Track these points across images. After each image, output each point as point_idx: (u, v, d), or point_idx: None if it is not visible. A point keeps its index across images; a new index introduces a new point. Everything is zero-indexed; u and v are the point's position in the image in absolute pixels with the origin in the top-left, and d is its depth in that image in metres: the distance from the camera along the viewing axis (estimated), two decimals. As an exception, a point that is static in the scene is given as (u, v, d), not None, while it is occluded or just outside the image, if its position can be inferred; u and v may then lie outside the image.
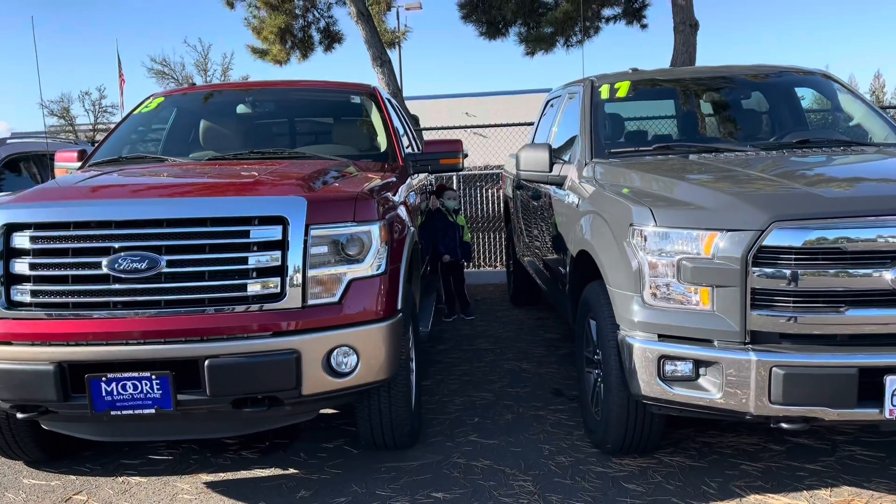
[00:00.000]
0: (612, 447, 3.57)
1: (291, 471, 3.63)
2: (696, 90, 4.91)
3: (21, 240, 3.04)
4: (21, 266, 3.03)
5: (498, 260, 9.97)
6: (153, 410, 2.95)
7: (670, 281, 3.06)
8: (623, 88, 4.70)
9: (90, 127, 36.61)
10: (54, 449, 3.74)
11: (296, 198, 3.14)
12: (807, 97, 5.20)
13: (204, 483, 3.51)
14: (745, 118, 4.82)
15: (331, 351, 3.11)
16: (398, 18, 20.74)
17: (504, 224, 8.30)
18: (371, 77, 12.66)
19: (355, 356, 3.16)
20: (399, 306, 3.40)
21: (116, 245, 2.99)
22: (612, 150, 4.32)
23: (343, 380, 3.15)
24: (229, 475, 3.59)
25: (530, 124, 10.68)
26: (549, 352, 5.69)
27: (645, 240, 3.14)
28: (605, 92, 4.72)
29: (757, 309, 2.87)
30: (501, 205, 9.43)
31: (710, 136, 4.74)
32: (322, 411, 3.91)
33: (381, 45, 11.39)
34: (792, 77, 5.00)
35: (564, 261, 4.38)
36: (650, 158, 4.14)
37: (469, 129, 11.14)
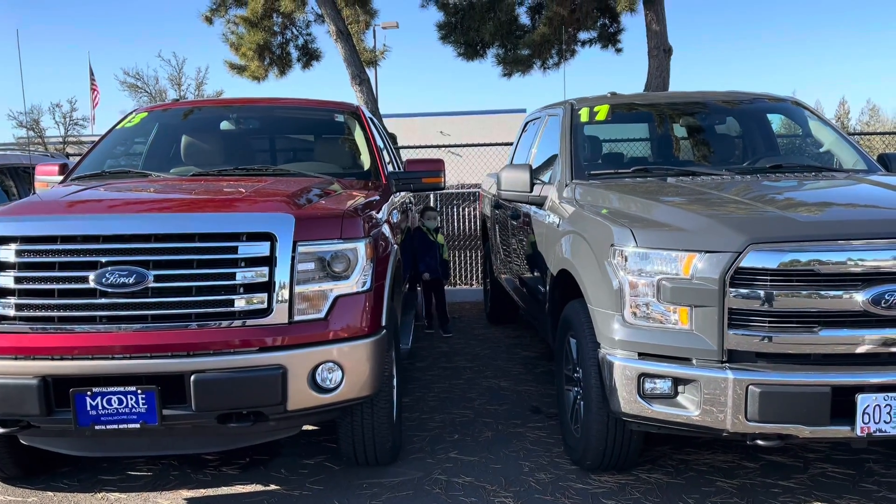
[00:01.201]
0: (591, 464, 3.63)
1: (273, 487, 3.62)
2: (673, 115, 5.05)
3: (5, 253, 3.03)
4: (5, 280, 3.02)
5: (474, 278, 10.04)
6: (138, 425, 2.94)
7: (650, 300, 3.15)
8: (602, 111, 4.81)
9: (60, 139, 36.09)
10: (31, 464, 3.68)
11: (284, 214, 3.17)
12: (774, 122, 5.36)
13: (184, 499, 3.49)
14: (720, 143, 4.97)
15: (316, 367, 3.13)
16: (374, 38, 20.87)
17: (481, 243, 8.37)
18: (348, 95, 12.73)
19: (340, 372, 3.18)
20: (383, 323, 3.43)
21: (104, 259, 2.99)
22: (591, 172, 4.42)
23: (328, 395, 3.17)
24: (210, 491, 3.58)
25: (505, 144, 10.83)
26: (527, 370, 5.75)
27: (626, 260, 3.22)
28: (584, 114, 4.83)
29: (734, 328, 2.96)
30: (478, 223, 9.51)
31: (687, 160, 4.87)
32: (303, 427, 3.92)
33: (360, 64, 11.47)
34: (764, 104, 5.16)
35: (544, 279, 4.45)
36: (629, 180, 4.25)
37: (444, 148, 11.24)
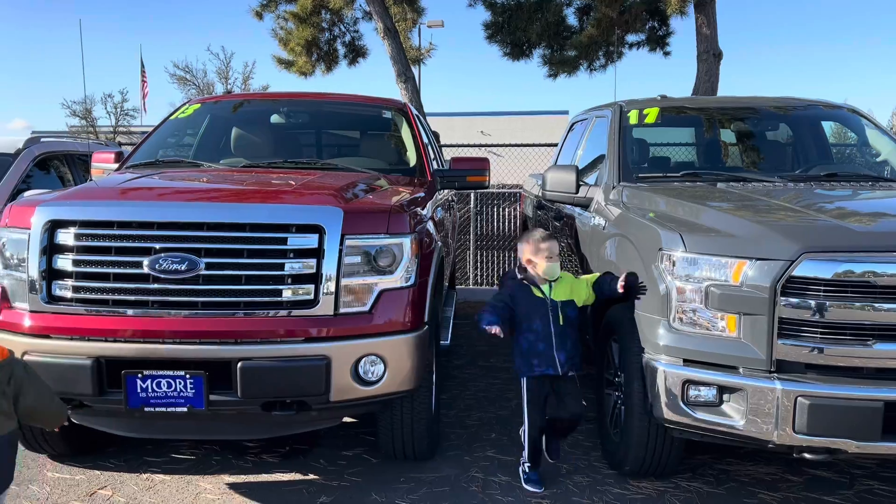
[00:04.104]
0: (630, 469, 3.59)
1: (312, 476, 3.67)
2: (725, 120, 4.97)
3: (65, 236, 3.13)
4: (63, 262, 3.11)
5: (512, 279, 9.99)
6: (185, 409, 3.01)
7: (697, 306, 3.11)
8: (652, 114, 4.76)
9: (111, 129, 36.98)
10: (79, 443, 3.79)
11: (333, 208, 3.21)
12: (826, 130, 5.25)
13: (226, 484, 3.56)
14: (772, 149, 4.88)
15: (359, 359, 3.17)
16: (419, 36, 20.97)
17: (522, 243, 8.33)
18: (392, 92, 12.82)
19: (382, 365, 3.21)
20: (426, 318, 3.45)
21: (157, 246, 3.06)
22: (639, 175, 4.38)
23: (370, 388, 3.20)
24: (251, 477, 3.64)
25: (546, 145, 10.81)
26: (565, 372, 5.70)
27: (674, 265, 3.19)
28: (633, 117, 4.78)
29: (784, 338, 2.91)
30: (519, 224, 9.49)
31: (738, 166, 4.79)
32: (342, 419, 3.95)
33: (406, 62, 11.52)
34: (818, 111, 5.06)
35: (588, 282, 4.41)
36: (678, 184, 4.20)
37: (484, 148, 11.23)
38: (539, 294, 3.57)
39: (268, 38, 13.52)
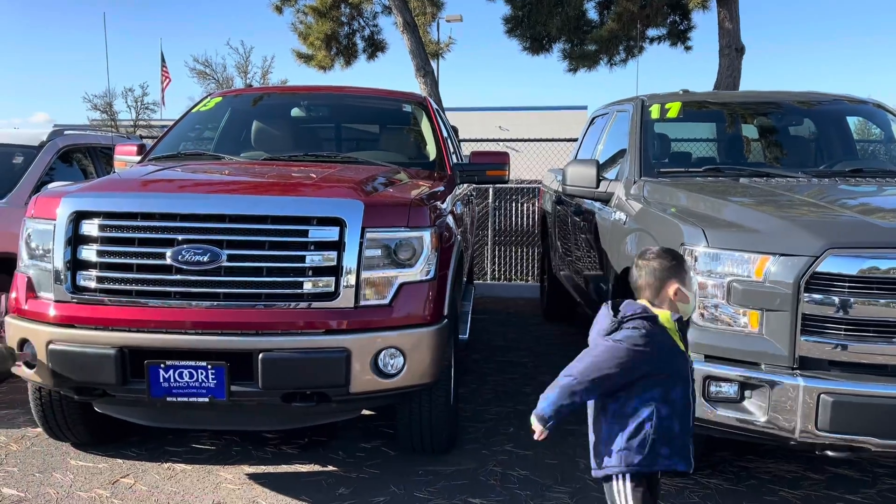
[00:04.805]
0: (649, 465, 3.57)
1: (330, 468, 3.69)
2: (748, 114, 4.92)
3: (89, 227, 3.16)
4: (88, 253, 3.15)
5: (529, 274, 9.98)
6: (207, 399, 3.04)
7: (719, 302, 3.08)
8: (674, 109, 4.73)
9: (131, 123, 37.31)
10: (102, 432, 3.84)
11: (354, 201, 3.22)
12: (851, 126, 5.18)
13: (246, 474, 3.58)
14: (796, 144, 4.83)
15: (379, 352, 3.18)
16: (438, 30, 20.95)
17: (540, 239, 8.32)
18: (410, 87, 12.80)
19: (402, 358, 3.22)
20: (445, 312, 3.46)
21: (180, 237, 3.09)
22: (661, 170, 4.35)
23: (389, 381, 3.21)
24: (270, 468, 3.67)
25: (564, 140, 10.78)
26: (583, 368, 5.68)
27: (695, 260, 3.16)
28: (655, 111, 4.75)
29: (807, 335, 2.88)
30: (537, 219, 9.46)
31: (761, 161, 4.75)
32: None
33: (425, 56, 11.52)
34: (844, 105, 4.99)
35: (607, 277, 4.40)
36: (700, 179, 4.16)
37: (502, 143, 11.21)
38: (682, 346, 2.32)
39: (287, 32, 13.64)
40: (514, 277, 10.11)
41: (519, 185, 10.23)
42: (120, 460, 3.72)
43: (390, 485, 3.51)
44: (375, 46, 13.98)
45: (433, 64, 13.62)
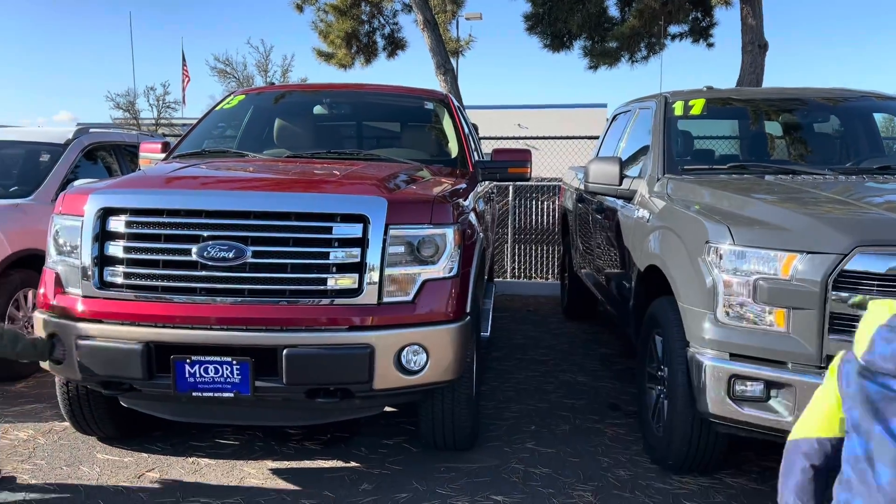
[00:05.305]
0: (673, 464, 3.55)
1: (353, 464, 3.70)
2: (773, 111, 4.87)
3: (116, 224, 3.20)
4: (115, 249, 3.19)
5: (549, 272, 9.95)
6: (232, 394, 3.06)
7: (745, 300, 3.06)
8: (698, 106, 4.69)
9: (153, 121, 37.66)
10: (127, 427, 3.88)
11: (377, 198, 3.23)
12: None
13: (270, 469, 3.61)
14: (822, 142, 4.77)
15: (402, 348, 3.18)
16: (457, 28, 20.94)
17: (561, 237, 8.29)
18: (430, 85, 12.81)
19: (425, 355, 3.22)
20: (468, 309, 3.45)
21: (205, 233, 3.12)
22: (685, 167, 4.31)
23: (412, 377, 3.22)
24: (293, 463, 3.69)
25: (583, 138, 10.72)
26: (604, 366, 5.67)
27: (720, 258, 3.14)
28: (678, 108, 4.71)
29: (835, 333, 2.85)
30: (557, 217, 9.43)
31: (786, 158, 4.69)
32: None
33: (445, 54, 11.53)
34: (871, 102, 4.92)
35: (630, 275, 4.38)
36: (724, 177, 4.13)
37: (521, 141, 11.17)
38: None
39: (306, 31, 13.77)
40: (533, 275, 10.09)
41: (539, 183, 10.20)
42: (145, 454, 3.76)
43: (412, 481, 3.51)
44: (395, 44, 14.01)
45: (453, 62, 13.62)
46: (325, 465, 3.68)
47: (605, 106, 36.88)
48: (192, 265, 3.10)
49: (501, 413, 4.53)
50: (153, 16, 61.64)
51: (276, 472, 3.59)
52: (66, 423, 3.97)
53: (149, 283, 3.14)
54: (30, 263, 5.11)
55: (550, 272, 9.90)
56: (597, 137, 11.52)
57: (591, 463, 3.76)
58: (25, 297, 5.10)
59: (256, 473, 3.56)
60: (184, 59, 28.05)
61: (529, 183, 10.14)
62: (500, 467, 3.69)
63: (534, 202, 10.09)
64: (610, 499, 3.37)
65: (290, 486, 3.43)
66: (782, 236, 3.02)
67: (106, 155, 6.67)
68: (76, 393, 3.63)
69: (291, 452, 3.82)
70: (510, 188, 9.67)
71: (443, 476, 3.57)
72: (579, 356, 5.99)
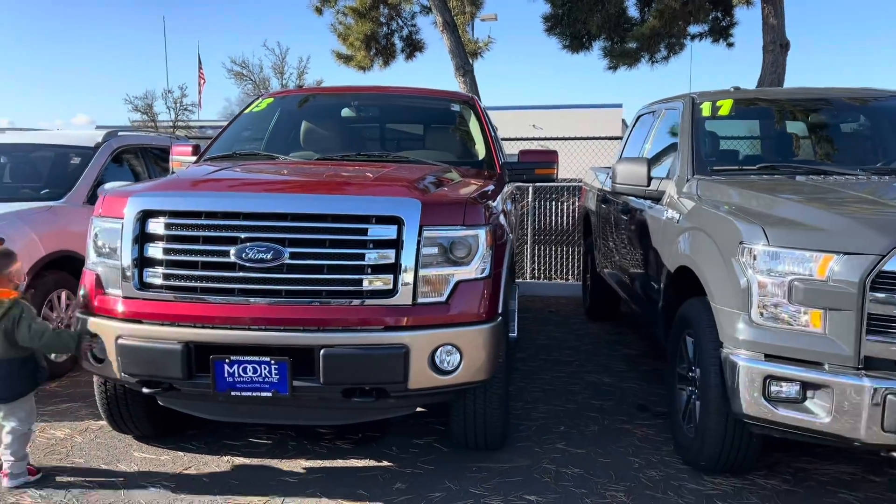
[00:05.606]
0: (705, 465, 3.56)
1: (385, 463, 3.74)
2: (801, 112, 4.85)
3: (155, 226, 3.25)
4: (154, 250, 3.23)
5: (568, 273, 9.94)
6: (270, 394, 3.10)
7: (780, 301, 3.06)
8: (726, 106, 4.68)
9: (170, 123, 37.93)
10: (163, 425, 3.94)
11: (411, 200, 3.25)
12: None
13: (304, 468, 3.65)
14: (853, 141, 4.74)
15: (436, 348, 3.21)
16: (473, 29, 20.95)
17: (583, 238, 8.28)
18: (449, 86, 12.85)
19: (459, 355, 3.25)
20: (500, 310, 3.47)
21: (243, 235, 3.16)
22: (714, 168, 4.31)
23: (446, 377, 3.24)
24: (326, 462, 3.72)
25: (599, 139, 10.71)
26: (630, 367, 5.67)
27: (754, 258, 3.14)
28: (706, 109, 4.71)
29: (872, 334, 2.84)
30: (577, 218, 9.42)
31: (817, 159, 4.67)
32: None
33: (464, 55, 11.55)
34: (902, 102, 4.88)
35: (658, 276, 4.38)
36: (755, 177, 4.12)
37: (536, 141, 11.17)
38: None
39: (321, 33, 13.90)
40: (553, 276, 10.08)
41: (557, 184, 10.18)
42: (181, 453, 3.81)
43: (445, 480, 3.54)
44: (413, 46, 14.04)
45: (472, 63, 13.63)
46: (358, 465, 3.71)
47: (620, 106, 36.76)
48: (231, 266, 3.15)
49: (529, 413, 4.54)
50: (171, 19, 62.15)
51: (310, 470, 3.63)
52: (102, 422, 4.03)
53: (188, 283, 3.18)
54: (62, 265, 5.19)
55: (570, 273, 9.89)
56: (612, 138, 11.58)
57: (621, 463, 3.77)
58: (59, 298, 5.17)
59: (291, 472, 3.60)
60: (200, 63, 28.28)
61: (547, 184, 10.15)
62: (532, 467, 3.71)
63: (551, 203, 10.08)
64: (643, 499, 3.37)
65: (326, 485, 3.46)
66: (818, 237, 3.02)
67: (133, 157, 6.75)
68: (114, 392, 3.69)
69: (324, 451, 3.86)
70: (529, 189, 9.67)
71: (475, 476, 3.59)
72: (604, 357, 5.99)
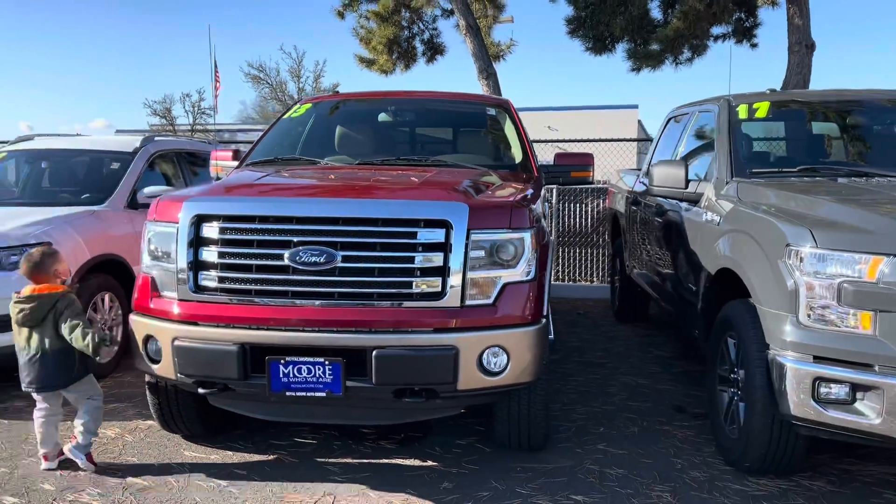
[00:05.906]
0: (750, 466, 3.58)
1: (430, 463, 3.79)
2: (839, 113, 4.85)
3: (210, 230, 3.32)
4: (209, 254, 3.31)
5: (594, 275, 9.95)
6: (324, 394, 3.17)
7: (828, 303, 3.08)
8: (763, 108, 4.70)
9: (188, 127, 38.29)
10: (212, 425, 4.02)
11: (459, 203, 3.31)
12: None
13: (351, 466, 3.71)
14: (893, 143, 4.74)
15: (484, 350, 3.26)
16: (490, 32, 20.97)
17: (611, 240, 8.30)
18: (472, 89, 12.90)
19: (506, 357, 3.30)
20: (545, 312, 3.52)
21: (296, 239, 3.23)
22: (753, 170, 4.33)
23: (494, 378, 3.29)
24: (372, 461, 3.78)
25: (618, 140, 10.72)
26: (664, 369, 5.69)
27: (801, 261, 3.16)
28: (743, 111, 4.73)
29: (923, 336, 2.85)
30: (605, 219, 9.43)
31: (857, 161, 4.67)
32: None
33: (487, 58, 11.60)
34: (939, 103, 4.88)
35: (697, 278, 4.40)
36: (795, 179, 4.13)
37: (553, 143, 11.19)
38: None
39: (336, 37, 13.96)
40: (577, 278, 10.10)
41: (580, 186, 10.18)
42: (230, 452, 3.88)
43: (491, 480, 3.58)
44: (435, 50, 14.10)
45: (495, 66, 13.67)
46: (404, 464, 3.77)
47: (636, 107, 36.64)
48: (285, 269, 3.21)
49: (568, 415, 4.58)
50: (187, 23, 62.74)
51: (357, 469, 3.69)
52: (150, 422, 4.12)
53: (242, 286, 3.26)
54: (106, 268, 5.30)
55: (595, 275, 9.90)
56: (629, 140, 11.58)
57: (664, 464, 3.80)
58: (102, 301, 5.27)
59: (339, 471, 3.66)
60: (215, 67, 28.51)
61: (570, 186, 10.15)
62: (575, 468, 3.75)
63: (575, 205, 10.09)
64: (689, 499, 3.40)
65: (375, 483, 3.52)
66: (866, 239, 3.04)
67: (167, 162, 6.86)
68: (165, 392, 3.77)
69: (369, 451, 3.92)
70: (554, 190, 9.69)
71: (520, 476, 3.64)
72: (636, 359, 6.02)
